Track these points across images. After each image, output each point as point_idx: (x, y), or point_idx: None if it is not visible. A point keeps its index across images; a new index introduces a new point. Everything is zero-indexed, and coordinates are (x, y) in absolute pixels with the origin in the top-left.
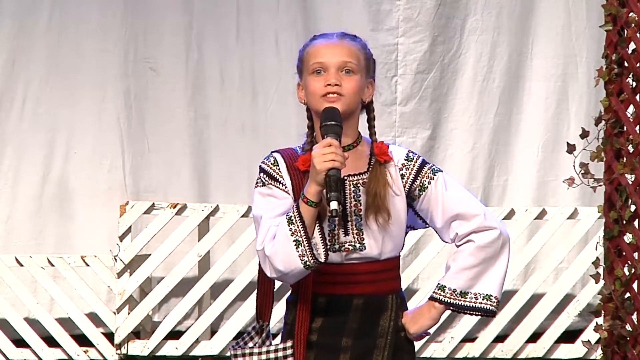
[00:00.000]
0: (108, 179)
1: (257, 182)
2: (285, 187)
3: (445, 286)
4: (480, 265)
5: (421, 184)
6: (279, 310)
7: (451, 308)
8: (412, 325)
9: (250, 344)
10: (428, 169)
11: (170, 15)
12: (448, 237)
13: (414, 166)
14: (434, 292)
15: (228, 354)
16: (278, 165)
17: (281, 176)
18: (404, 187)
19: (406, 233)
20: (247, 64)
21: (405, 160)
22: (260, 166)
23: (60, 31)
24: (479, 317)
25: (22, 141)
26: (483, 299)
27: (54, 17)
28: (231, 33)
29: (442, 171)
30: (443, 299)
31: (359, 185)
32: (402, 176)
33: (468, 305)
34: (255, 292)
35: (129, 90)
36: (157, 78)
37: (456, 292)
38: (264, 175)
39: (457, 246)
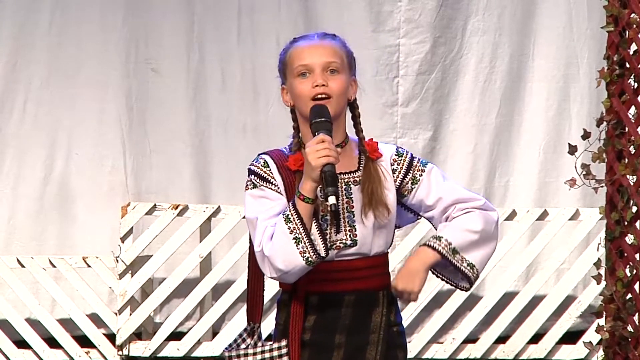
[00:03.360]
0: (109, 180)
1: (247, 185)
2: (278, 188)
3: (442, 237)
4: (479, 234)
5: (413, 177)
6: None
7: (437, 268)
8: (414, 285)
9: (243, 346)
10: (417, 162)
11: (171, 16)
12: (444, 218)
13: (404, 161)
14: (428, 242)
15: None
16: (269, 167)
17: (272, 177)
18: (395, 182)
19: (394, 231)
20: (249, 64)
21: (396, 155)
22: (249, 169)
23: (61, 32)
24: (452, 286)
25: (23, 142)
26: (467, 265)
27: (55, 18)
28: (232, 34)
29: (430, 162)
30: (437, 248)
31: (350, 183)
32: (394, 171)
33: (454, 263)
34: (246, 294)
35: (130, 91)
36: (159, 79)
37: (450, 246)
38: (255, 177)
39: (454, 217)
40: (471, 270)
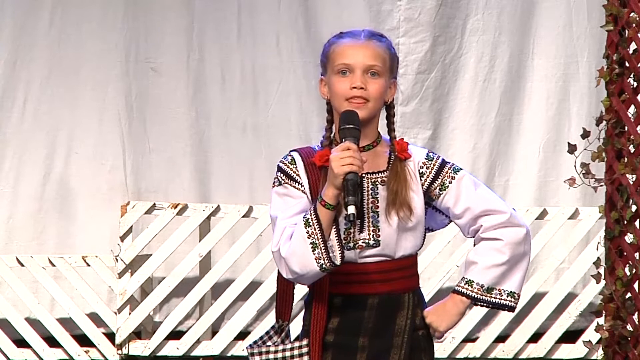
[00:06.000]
0: (109, 179)
1: (274, 182)
2: (302, 187)
3: (473, 281)
4: (508, 263)
5: (442, 183)
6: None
7: (477, 303)
8: (441, 323)
9: (269, 343)
10: (449, 169)
11: (171, 16)
12: (472, 232)
13: (434, 166)
14: (460, 287)
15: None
16: (295, 164)
17: (298, 175)
18: (422, 185)
19: (424, 234)
20: (248, 63)
21: (425, 159)
22: (278, 165)
23: (61, 31)
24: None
25: (23, 141)
26: (507, 296)
27: (55, 17)
28: (232, 33)
29: (462, 169)
30: (471, 294)
31: (377, 183)
32: (422, 175)
33: (492, 301)
34: (275, 291)
35: (130, 90)
36: (158, 78)
37: (483, 288)
38: (281, 174)
39: (482, 238)
40: (512, 299)
